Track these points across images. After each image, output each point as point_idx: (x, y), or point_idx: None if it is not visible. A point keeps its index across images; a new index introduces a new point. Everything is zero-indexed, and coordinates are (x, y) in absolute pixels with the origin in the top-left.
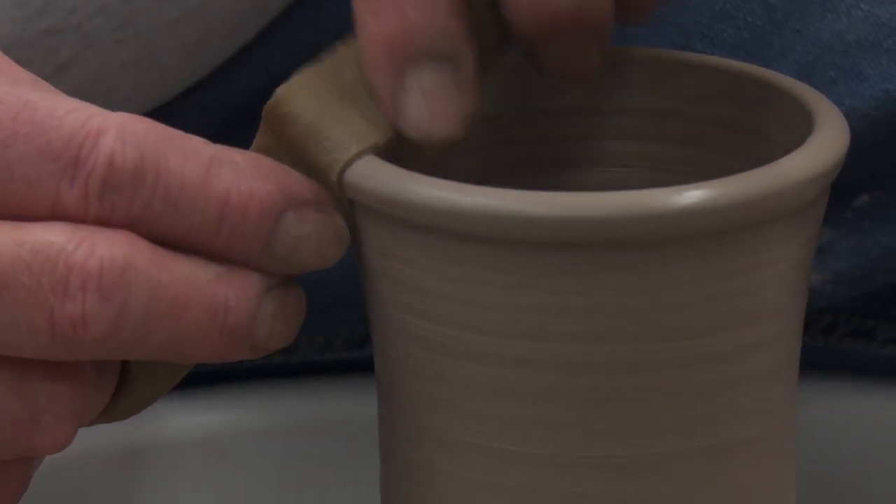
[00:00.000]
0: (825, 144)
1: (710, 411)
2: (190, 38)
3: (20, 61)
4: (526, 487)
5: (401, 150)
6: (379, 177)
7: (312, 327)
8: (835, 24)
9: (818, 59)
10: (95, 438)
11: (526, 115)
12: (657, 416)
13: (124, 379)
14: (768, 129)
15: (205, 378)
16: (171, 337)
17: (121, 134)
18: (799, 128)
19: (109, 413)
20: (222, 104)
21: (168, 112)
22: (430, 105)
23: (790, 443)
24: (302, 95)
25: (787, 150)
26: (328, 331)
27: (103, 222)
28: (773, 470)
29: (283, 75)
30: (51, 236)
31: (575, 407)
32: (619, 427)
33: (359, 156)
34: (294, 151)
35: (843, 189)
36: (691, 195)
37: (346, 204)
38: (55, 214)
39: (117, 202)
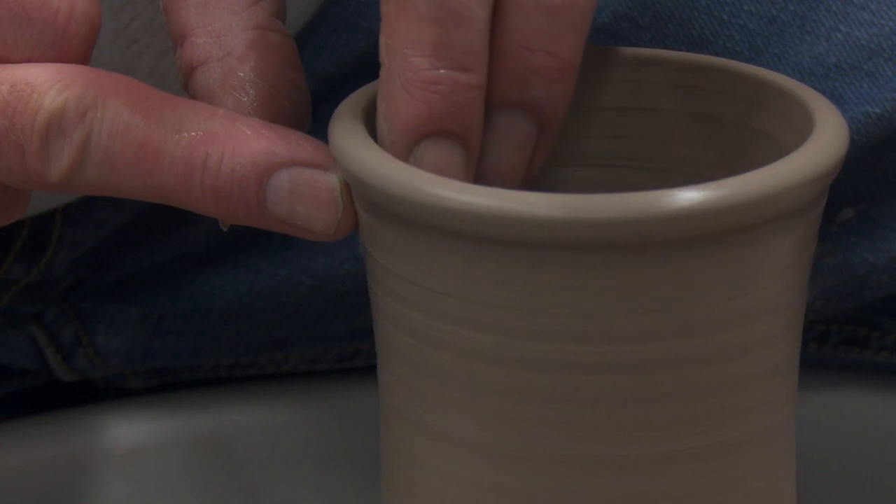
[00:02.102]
0: (824, 145)
1: (711, 411)
2: None
3: None
4: (526, 486)
5: None
6: (382, 173)
7: (301, 344)
8: (814, 48)
9: None
10: (94, 438)
11: None
12: (656, 415)
13: None
14: (768, 129)
15: (203, 379)
16: (148, 183)
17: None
18: (798, 128)
19: None
20: None
21: None
22: None
23: (790, 440)
24: None
25: (786, 151)
26: (318, 347)
27: None
28: (773, 466)
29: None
30: (31, 76)
31: (574, 406)
32: (617, 426)
33: None
34: None
35: (828, 203)
36: (691, 197)
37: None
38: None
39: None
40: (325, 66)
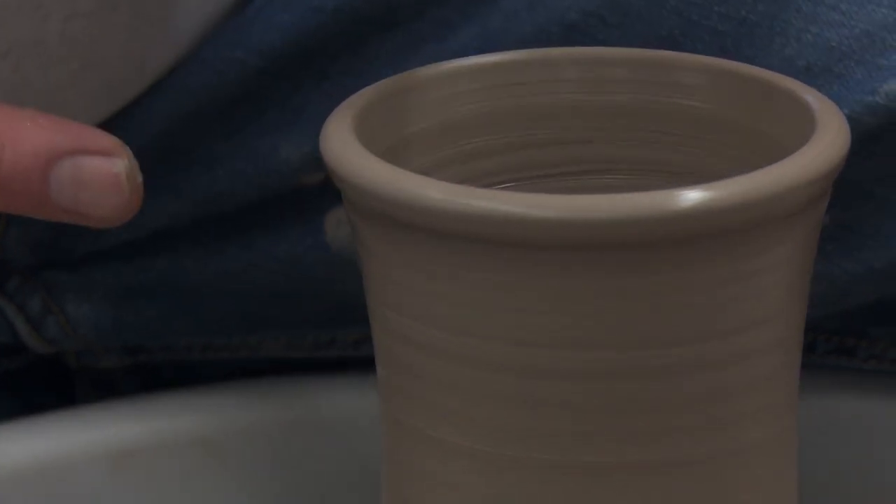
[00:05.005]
0: (826, 146)
1: (712, 415)
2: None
3: None
4: (520, 494)
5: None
6: (380, 177)
7: (274, 326)
8: (784, 50)
9: None
10: (90, 439)
11: (524, 119)
12: (656, 421)
13: None
14: (769, 130)
15: (203, 378)
16: None
17: None
18: (800, 129)
19: None
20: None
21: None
22: None
23: (792, 446)
24: None
25: (788, 152)
26: (292, 332)
27: None
28: (775, 474)
29: None
30: None
31: (578, 413)
32: (616, 433)
33: None
34: None
35: None
36: (691, 197)
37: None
38: None
39: None
40: (273, 43)
